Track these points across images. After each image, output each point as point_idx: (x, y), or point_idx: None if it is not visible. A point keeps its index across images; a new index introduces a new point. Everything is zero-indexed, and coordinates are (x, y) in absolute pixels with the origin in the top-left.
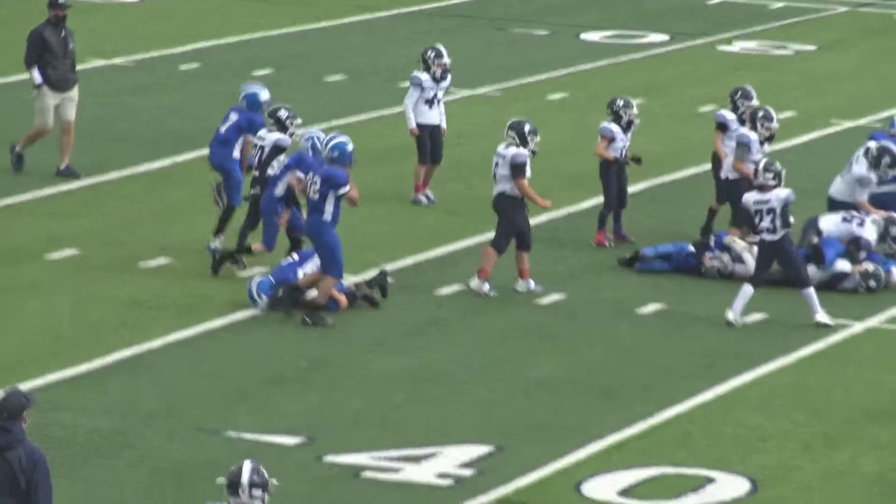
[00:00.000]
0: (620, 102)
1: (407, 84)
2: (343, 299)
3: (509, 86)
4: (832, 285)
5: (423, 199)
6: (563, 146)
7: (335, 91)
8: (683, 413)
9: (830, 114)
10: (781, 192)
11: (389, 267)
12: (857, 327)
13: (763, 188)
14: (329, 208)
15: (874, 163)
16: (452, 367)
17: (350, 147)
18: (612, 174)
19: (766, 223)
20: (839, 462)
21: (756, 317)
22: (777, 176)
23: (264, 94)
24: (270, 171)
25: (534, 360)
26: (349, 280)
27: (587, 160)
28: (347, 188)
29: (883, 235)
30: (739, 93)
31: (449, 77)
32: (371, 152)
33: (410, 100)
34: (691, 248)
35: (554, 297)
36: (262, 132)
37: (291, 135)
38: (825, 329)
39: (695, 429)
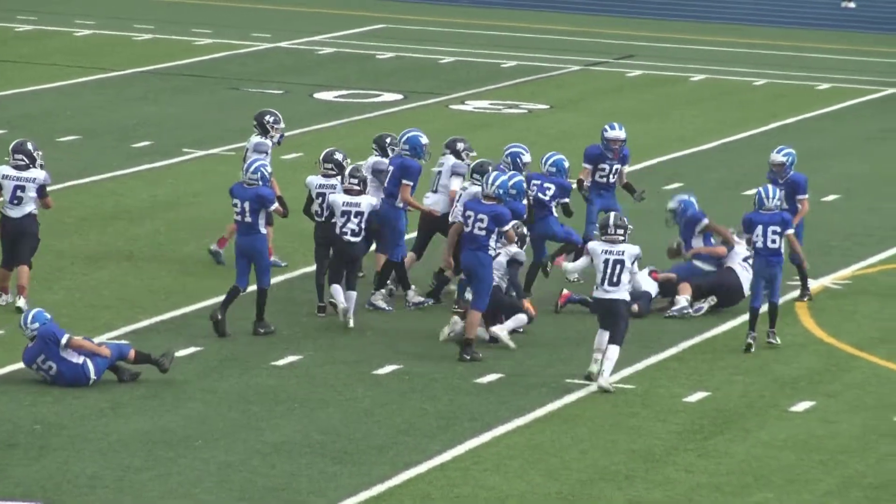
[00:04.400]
0: (461, 145)
1: (142, 144)
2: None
3: (244, 145)
4: None
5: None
6: (298, 205)
7: (69, 151)
8: (422, 474)
9: None
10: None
11: (126, 329)
12: (592, 386)
13: None
14: (492, 244)
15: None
16: (189, 430)
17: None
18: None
19: None
20: None
21: (491, 377)
22: None
23: (424, 138)
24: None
25: (271, 423)
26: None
27: None
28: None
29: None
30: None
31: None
32: (104, 213)
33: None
34: None
35: (290, 359)
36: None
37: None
38: (560, 389)
39: (433, 490)
